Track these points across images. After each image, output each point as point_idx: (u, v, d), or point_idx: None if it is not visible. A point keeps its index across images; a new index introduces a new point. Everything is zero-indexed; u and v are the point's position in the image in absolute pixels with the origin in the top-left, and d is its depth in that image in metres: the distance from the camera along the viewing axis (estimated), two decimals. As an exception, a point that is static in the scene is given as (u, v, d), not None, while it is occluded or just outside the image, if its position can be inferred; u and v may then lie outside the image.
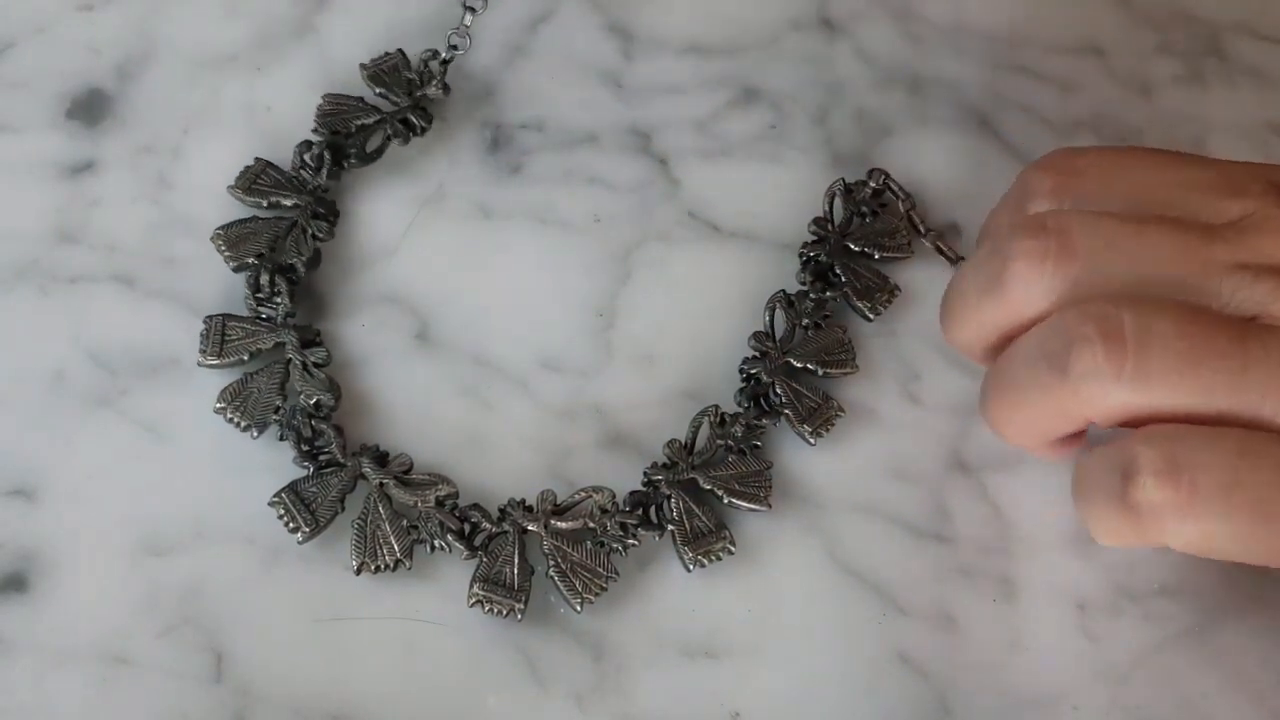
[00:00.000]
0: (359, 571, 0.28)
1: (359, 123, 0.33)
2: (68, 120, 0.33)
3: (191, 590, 0.28)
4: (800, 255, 0.32)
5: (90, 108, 0.34)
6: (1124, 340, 0.24)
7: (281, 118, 0.34)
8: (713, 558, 0.29)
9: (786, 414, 0.30)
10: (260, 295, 0.31)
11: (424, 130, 0.33)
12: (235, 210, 0.32)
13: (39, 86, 0.34)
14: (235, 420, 0.30)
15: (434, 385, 0.31)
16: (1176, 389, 0.24)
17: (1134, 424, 0.25)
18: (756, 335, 0.31)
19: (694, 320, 0.32)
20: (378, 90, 0.33)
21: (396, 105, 0.33)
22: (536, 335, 0.31)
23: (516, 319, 0.32)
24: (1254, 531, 0.24)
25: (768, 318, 0.31)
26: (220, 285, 0.31)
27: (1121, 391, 0.24)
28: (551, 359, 0.31)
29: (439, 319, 0.32)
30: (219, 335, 0.30)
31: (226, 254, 0.31)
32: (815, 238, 0.32)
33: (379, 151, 0.33)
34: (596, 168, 0.33)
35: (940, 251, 0.32)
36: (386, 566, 0.28)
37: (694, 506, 0.29)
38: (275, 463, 0.29)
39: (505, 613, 0.28)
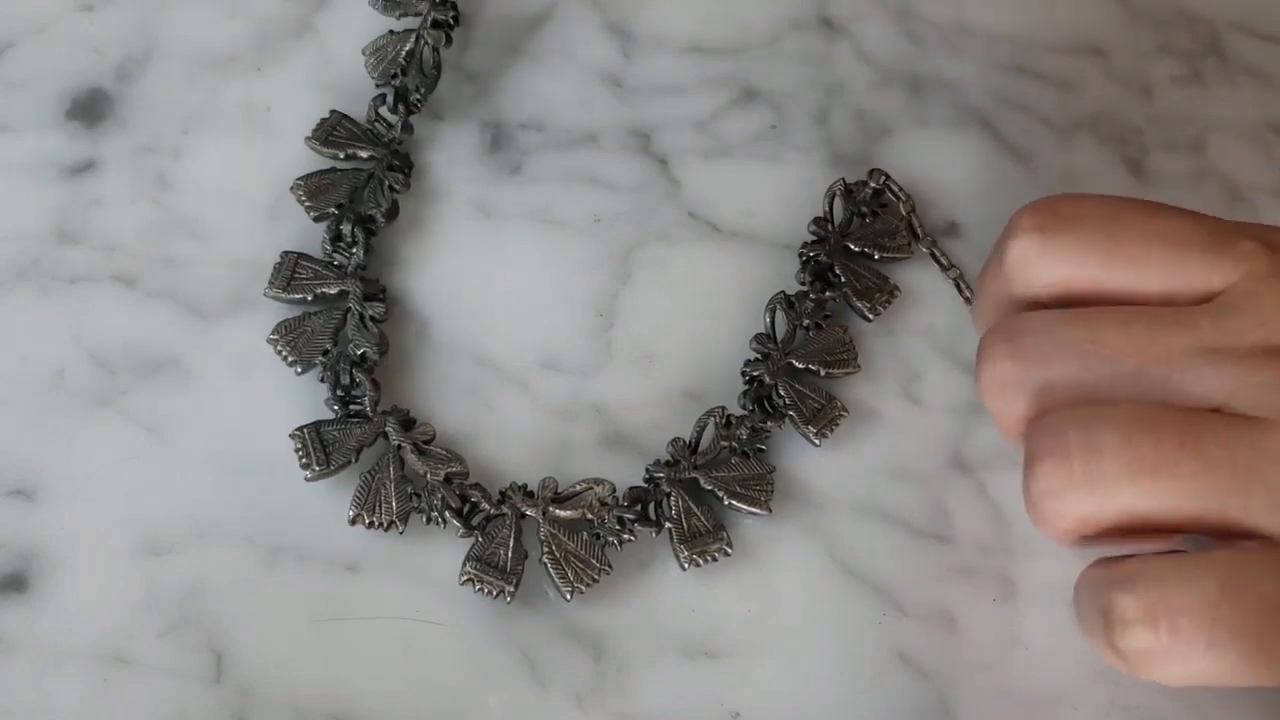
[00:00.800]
0: (353, 522, 0.29)
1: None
2: (68, 120, 0.33)
3: (191, 590, 0.28)
4: (800, 255, 0.32)
5: (90, 108, 0.34)
6: (1069, 457, 0.24)
7: (281, 118, 0.34)
8: (708, 558, 0.29)
9: (791, 415, 0.30)
10: (341, 244, 0.32)
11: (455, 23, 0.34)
12: (234, 210, 0.32)
13: (39, 86, 0.34)
14: (284, 354, 0.30)
15: (434, 385, 0.31)
16: (1136, 497, 0.24)
17: (1119, 531, 0.25)
18: (758, 337, 0.31)
19: (694, 320, 0.32)
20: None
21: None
22: (536, 335, 0.31)
23: (516, 319, 0.32)
24: (1247, 662, 0.23)
25: (768, 319, 0.31)
26: (220, 285, 0.31)
27: (1079, 504, 0.24)
28: (551, 359, 0.31)
29: (439, 319, 0.32)
30: (289, 271, 0.31)
31: (307, 204, 0.32)
32: (815, 238, 0.32)
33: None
34: (596, 168, 0.33)
35: (935, 259, 0.32)
36: (380, 525, 0.28)
37: (693, 506, 0.29)
38: (275, 462, 0.29)
39: (495, 593, 0.28)
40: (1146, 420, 0.24)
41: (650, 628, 0.28)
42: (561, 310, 0.32)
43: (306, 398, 0.30)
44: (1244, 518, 0.24)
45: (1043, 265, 0.26)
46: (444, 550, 0.29)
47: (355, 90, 0.34)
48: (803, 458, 0.30)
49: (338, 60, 0.34)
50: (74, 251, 0.32)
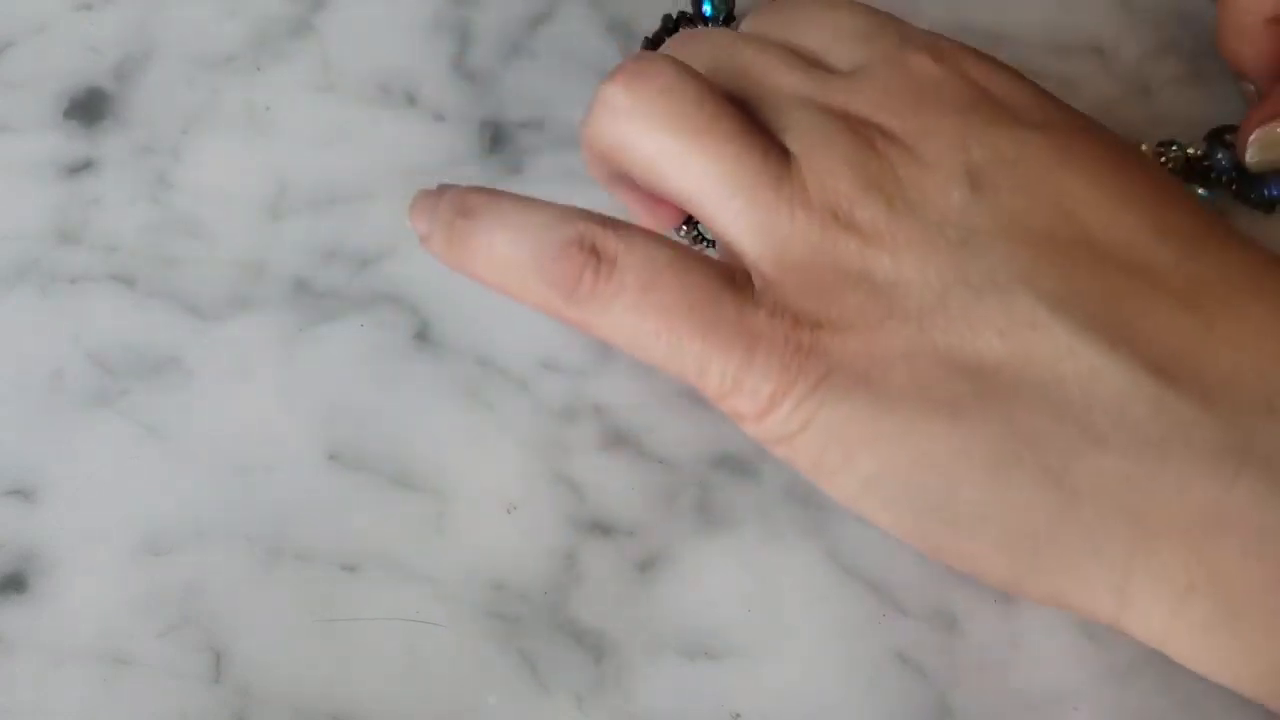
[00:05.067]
0: None
1: None
2: (66, 120, 0.33)
3: (191, 590, 0.28)
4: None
5: (89, 107, 0.34)
6: (647, 80, 0.26)
7: (281, 117, 0.34)
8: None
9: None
10: None
11: None
12: (234, 209, 0.32)
13: (38, 86, 0.34)
14: None
15: (434, 385, 0.31)
16: (662, 151, 0.26)
17: (639, 185, 0.28)
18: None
19: (694, 320, 0.32)
20: None
21: None
22: (536, 335, 0.31)
23: (516, 319, 0.31)
24: (656, 339, 0.26)
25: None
26: (220, 284, 0.31)
27: (622, 129, 0.27)
28: (551, 359, 0.31)
29: (439, 319, 0.32)
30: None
31: None
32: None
33: None
34: (596, 167, 0.33)
35: None
36: None
37: None
38: (275, 463, 0.29)
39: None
40: (721, 99, 0.26)
41: (650, 628, 0.28)
42: (561, 310, 0.32)
43: (307, 397, 0.30)
44: (725, 233, 0.26)
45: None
46: (444, 550, 0.29)
47: (356, 90, 0.34)
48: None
49: (338, 60, 0.34)
50: (73, 251, 0.32)
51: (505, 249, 0.26)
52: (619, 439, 0.30)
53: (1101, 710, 0.28)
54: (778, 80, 0.27)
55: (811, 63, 0.28)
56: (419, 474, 0.30)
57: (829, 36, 0.28)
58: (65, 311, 0.31)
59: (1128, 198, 0.25)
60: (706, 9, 0.34)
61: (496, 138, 0.34)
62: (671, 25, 0.34)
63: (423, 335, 0.31)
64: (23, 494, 0.29)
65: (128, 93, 0.34)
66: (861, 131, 0.26)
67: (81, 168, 0.33)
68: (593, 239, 0.26)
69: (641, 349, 0.26)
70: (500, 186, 0.33)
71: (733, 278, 0.26)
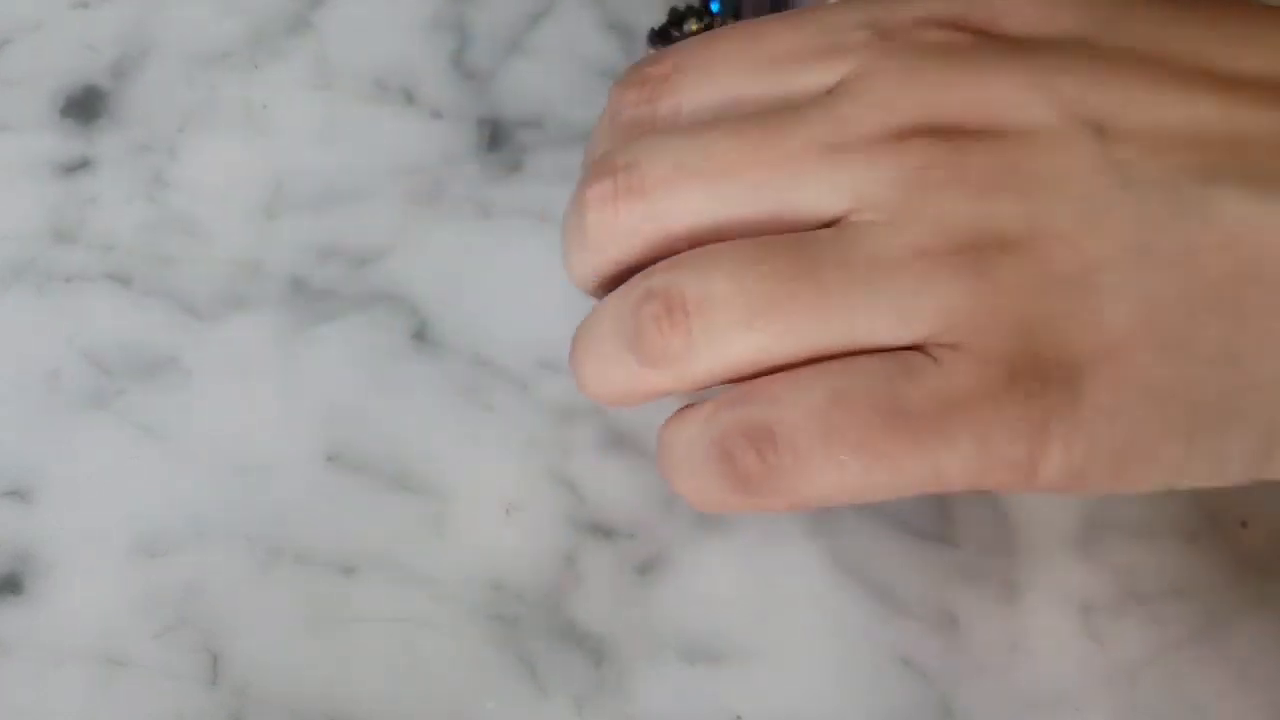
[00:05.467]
0: None
1: None
2: (63, 118, 0.33)
3: (188, 591, 0.28)
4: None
5: (86, 105, 0.33)
6: (685, 311, 0.23)
7: (278, 115, 0.33)
8: None
9: None
10: None
11: None
12: (231, 208, 0.32)
13: (34, 84, 0.34)
14: None
15: (433, 385, 0.31)
16: (755, 345, 0.23)
17: (734, 380, 0.24)
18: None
19: (694, 319, 0.32)
20: None
21: None
22: (536, 335, 0.31)
23: (516, 318, 0.31)
24: (868, 470, 0.22)
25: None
26: (217, 284, 0.31)
27: (700, 363, 0.23)
28: (551, 359, 0.31)
29: (438, 318, 0.31)
30: None
31: None
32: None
33: None
34: (596, 166, 0.33)
35: None
36: None
37: None
38: (272, 463, 0.29)
39: None
40: (760, 255, 0.23)
41: (651, 631, 0.28)
42: (561, 310, 0.32)
43: (305, 398, 0.30)
44: (871, 337, 0.23)
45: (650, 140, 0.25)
46: (444, 551, 0.29)
47: (354, 88, 0.34)
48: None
49: (336, 57, 0.34)
50: (69, 250, 0.32)
51: None
52: (619, 439, 0.30)
53: (1105, 713, 0.27)
54: (781, 146, 0.24)
55: (767, 116, 0.24)
56: (418, 474, 0.29)
57: (779, 69, 0.25)
58: (61, 311, 0.31)
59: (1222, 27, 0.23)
60: (714, 4, 0.34)
61: (495, 136, 0.34)
62: (678, 18, 0.34)
63: (421, 335, 0.31)
64: (19, 494, 0.29)
65: (124, 91, 0.34)
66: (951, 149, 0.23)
67: (78, 166, 0.33)
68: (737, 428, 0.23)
69: (858, 492, 0.23)
70: (499, 184, 0.33)
71: (906, 363, 0.23)
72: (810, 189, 0.23)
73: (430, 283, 0.32)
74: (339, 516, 0.29)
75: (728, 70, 0.25)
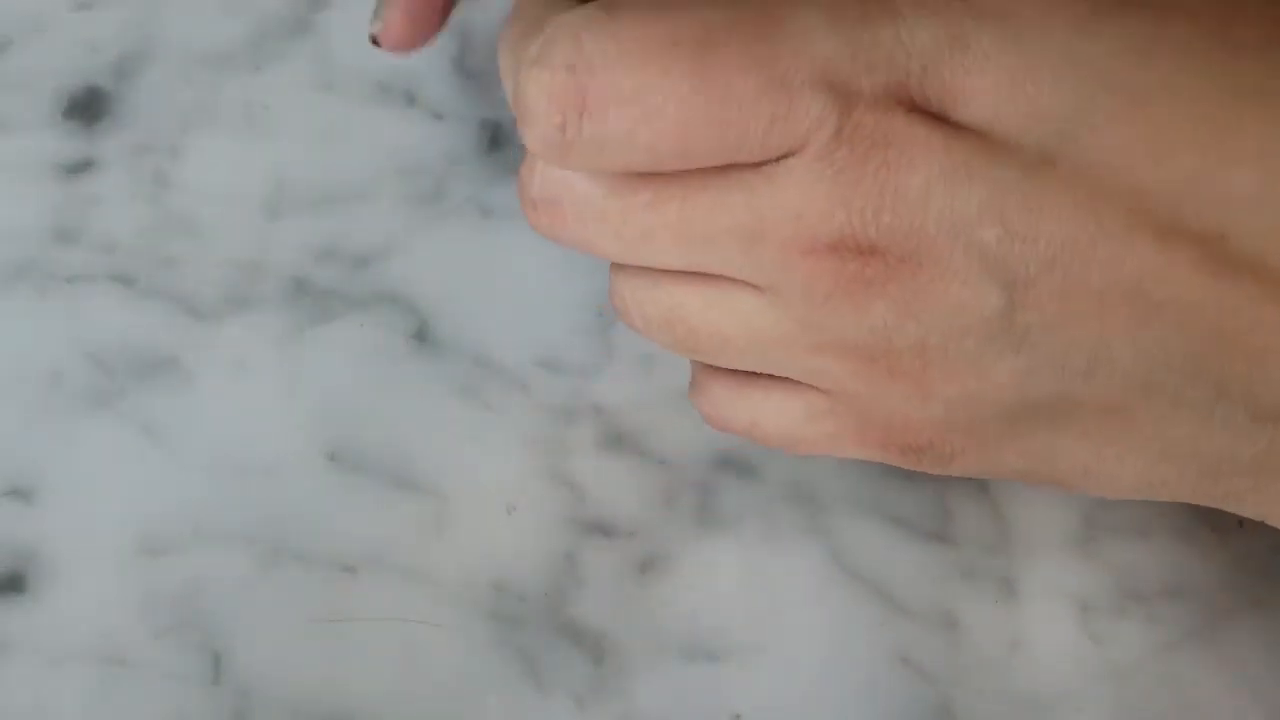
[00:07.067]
0: None
1: None
2: (65, 119, 0.33)
3: (190, 591, 0.28)
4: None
5: (88, 106, 0.34)
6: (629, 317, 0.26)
7: (279, 116, 0.33)
8: None
9: None
10: None
11: None
12: (233, 209, 0.32)
13: (36, 85, 0.34)
14: None
15: (433, 385, 0.31)
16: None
17: None
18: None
19: (694, 320, 0.32)
20: None
21: None
22: (536, 335, 0.31)
23: (516, 318, 0.31)
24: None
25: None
26: (219, 284, 0.31)
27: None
28: (551, 359, 0.31)
29: (438, 319, 0.31)
30: None
31: None
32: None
33: None
34: (596, 167, 0.33)
35: None
36: None
37: None
38: (273, 463, 0.29)
39: None
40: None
41: (651, 630, 0.28)
42: (561, 309, 0.32)
43: (305, 398, 0.30)
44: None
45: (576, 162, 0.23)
46: (444, 551, 0.29)
47: (355, 89, 0.34)
48: (804, 458, 0.30)
49: (338, 58, 0.34)
50: (71, 251, 0.32)
51: None
52: (619, 439, 0.30)
53: (1104, 712, 0.27)
54: (705, 224, 0.23)
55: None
56: (418, 474, 0.29)
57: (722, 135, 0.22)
58: (63, 312, 0.31)
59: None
60: None
61: (496, 137, 0.34)
62: None
63: (421, 335, 0.31)
64: (21, 494, 0.29)
65: (126, 92, 0.34)
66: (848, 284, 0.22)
67: (80, 167, 0.33)
68: None
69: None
70: (500, 186, 0.33)
71: None
72: (728, 265, 0.24)
73: (431, 283, 0.32)
74: (339, 516, 0.29)
75: (669, 119, 0.22)
